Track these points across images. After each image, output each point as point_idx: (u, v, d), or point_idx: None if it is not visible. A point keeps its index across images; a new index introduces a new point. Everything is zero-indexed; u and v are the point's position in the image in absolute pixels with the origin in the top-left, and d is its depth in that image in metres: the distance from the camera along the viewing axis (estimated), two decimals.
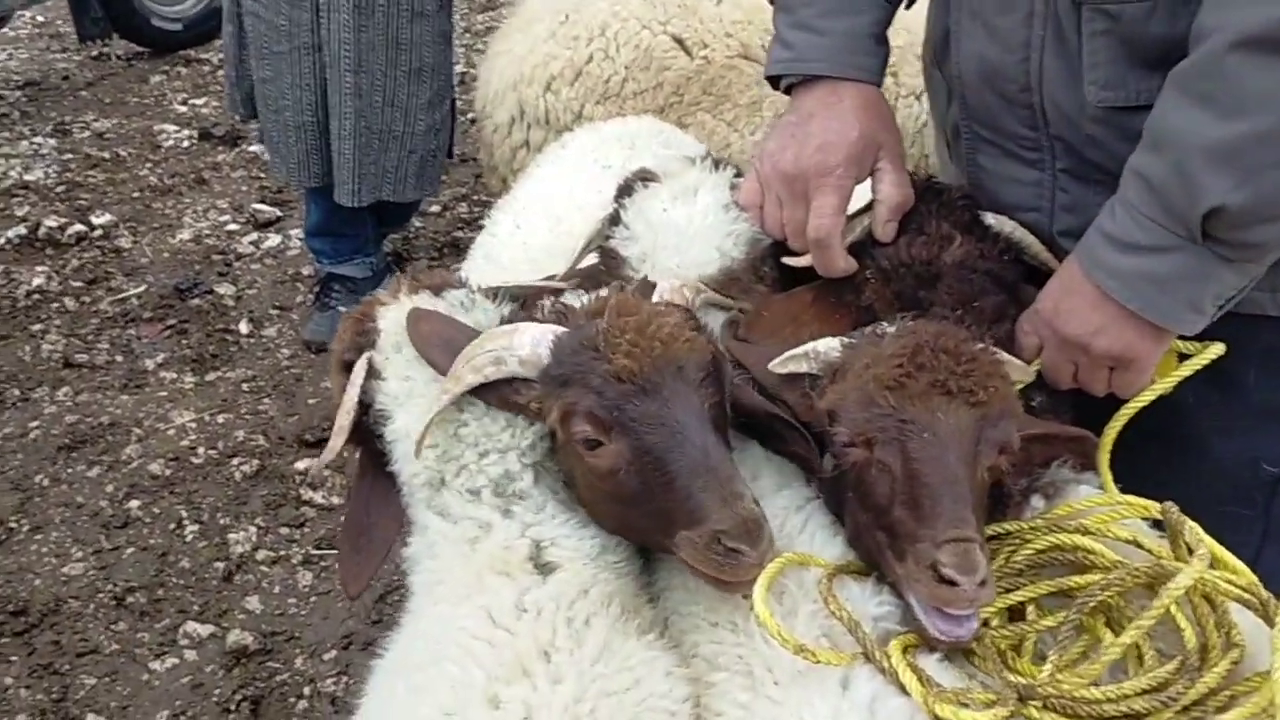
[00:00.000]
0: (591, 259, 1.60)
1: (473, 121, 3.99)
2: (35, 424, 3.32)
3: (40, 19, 6.07)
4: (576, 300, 1.36)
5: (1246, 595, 1.17)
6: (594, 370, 1.19)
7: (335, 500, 3.02)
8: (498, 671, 1.10)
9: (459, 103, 3.68)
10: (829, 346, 1.30)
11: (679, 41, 2.77)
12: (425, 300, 1.38)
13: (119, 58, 5.87)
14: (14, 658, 2.60)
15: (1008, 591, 1.23)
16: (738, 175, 1.58)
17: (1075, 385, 1.39)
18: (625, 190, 1.60)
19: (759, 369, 1.35)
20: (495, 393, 1.26)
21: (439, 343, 1.31)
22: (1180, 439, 1.48)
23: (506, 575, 1.20)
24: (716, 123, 2.80)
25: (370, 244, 3.70)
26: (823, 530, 1.29)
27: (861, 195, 1.48)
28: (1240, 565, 1.21)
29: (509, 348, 1.25)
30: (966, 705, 1.07)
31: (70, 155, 4.88)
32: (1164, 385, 1.36)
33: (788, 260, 1.51)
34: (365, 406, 1.34)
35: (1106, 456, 1.36)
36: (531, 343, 1.24)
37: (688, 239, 1.51)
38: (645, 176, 1.59)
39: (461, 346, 1.28)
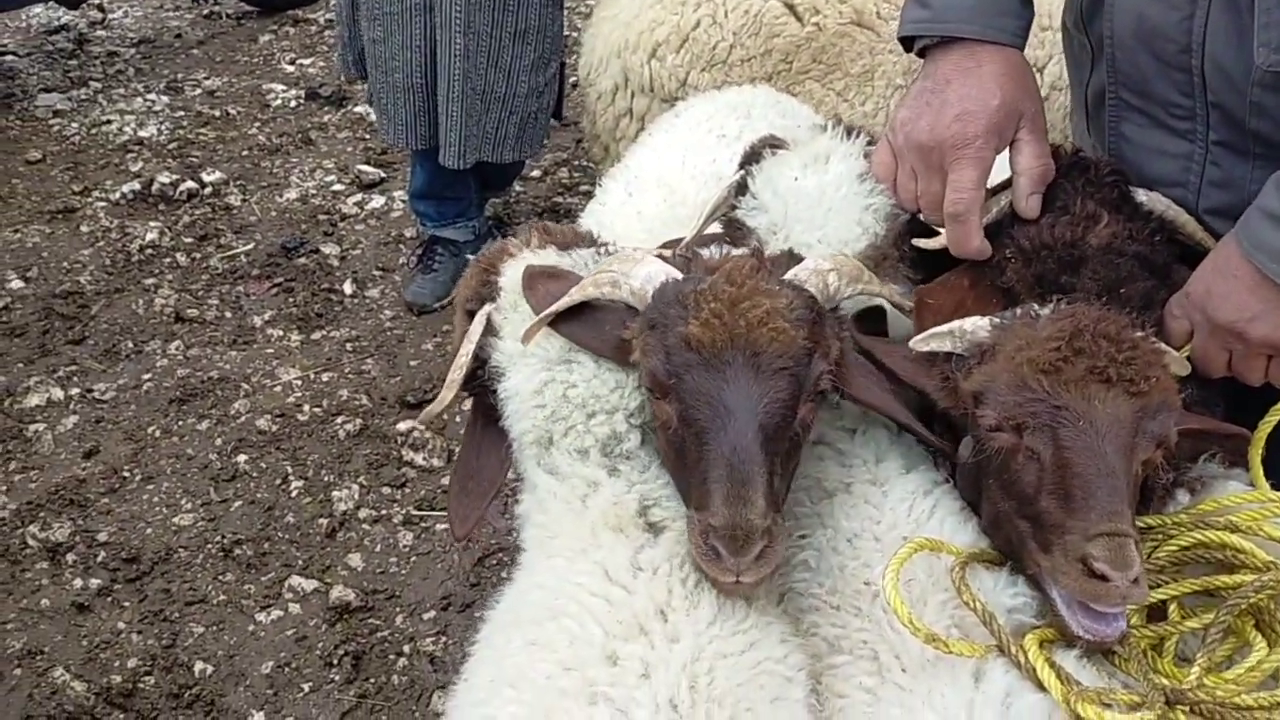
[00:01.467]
0: (715, 229, 1.57)
1: (574, 86, 3.97)
2: (148, 376, 3.41)
3: None
4: (708, 251, 1.34)
5: None
6: (674, 327, 1.18)
7: (436, 462, 3.05)
8: (616, 629, 1.10)
9: (567, 66, 3.64)
10: (977, 326, 1.26)
11: (790, 7, 2.70)
12: (551, 256, 1.37)
13: (229, 16, 5.96)
14: (126, 603, 2.68)
15: (1151, 589, 1.17)
16: (870, 143, 1.52)
17: (1228, 374, 1.32)
18: (752, 157, 1.55)
19: (890, 359, 1.30)
20: (609, 327, 1.25)
21: (553, 302, 1.30)
22: None
23: (620, 532, 1.20)
24: (825, 92, 2.74)
25: (473, 208, 3.71)
26: (953, 516, 1.26)
27: (1002, 168, 1.42)
28: None
29: (628, 274, 1.24)
30: (1110, 706, 1.03)
31: (182, 112, 4.98)
32: None
33: (919, 242, 1.45)
34: (480, 361, 1.34)
35: (1259, 451, 1.29)
36: (646, 277, 1.24)
37: (823, 211, 1.46)
38: (773, 143, 1.55)
39: None
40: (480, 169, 3.56)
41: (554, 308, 1.27)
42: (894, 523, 1.25)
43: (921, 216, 1.44)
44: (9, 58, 5.54)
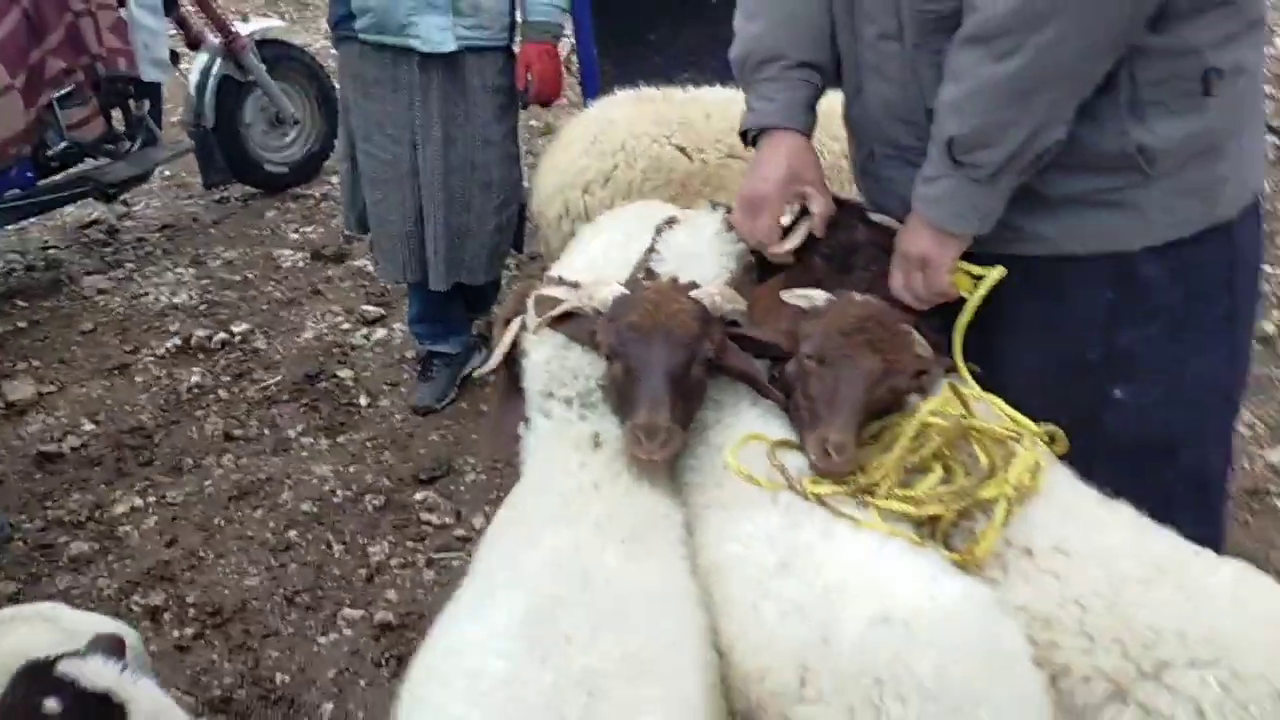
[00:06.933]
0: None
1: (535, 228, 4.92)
2: (208, 483, 4.21)
3: (168, 173, 7.15)
4: (646, 283, 2.19)
5: (1010, 433, 1.93)
6: (623, 319, 2.01)
7: (448, 520, 3.86)
8: (569, 490, 1.91)
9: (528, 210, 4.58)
10: (820, 296, 2.06)
11: (681, 150, 3.62)
12: (554, 288, 2.21)
13: (237, 199, 6.92)
14: (215, 642, 3.43)
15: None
16: (728, 211, 2.39)
17: (913, 299, 2.06)
18: (658, 230, 2.43)
19: (754, 333, 2.11)
20: (585, 324, 2.07)
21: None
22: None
23: (576, 449, 2.01)
24: (721, 205, 3.64)
25: (461, 325, 4.61)
26: (776, 421, 2.04)
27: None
28: (1019, 416, 1.96)
29: (596, 295, 2.08)
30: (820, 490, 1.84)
31: (207, 280, 5.88)
32: (974, 300, 1.98)
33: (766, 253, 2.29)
34: (512, 347, 2.18)
35: (960, 354, 2.03)
36: (607, 294, 2.07)
37: (698, 258, 2.31)
38: (671, 220, 2.44)
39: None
40: (464, 294, 4.47)
41: (553, 313, 2.09)
42: (739, 431, 2.07)
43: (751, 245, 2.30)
44: (51, 251, 6.48)
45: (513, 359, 2.22)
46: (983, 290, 2.02)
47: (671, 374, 1.96)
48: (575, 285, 2.28)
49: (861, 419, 1.96)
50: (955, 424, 1.95)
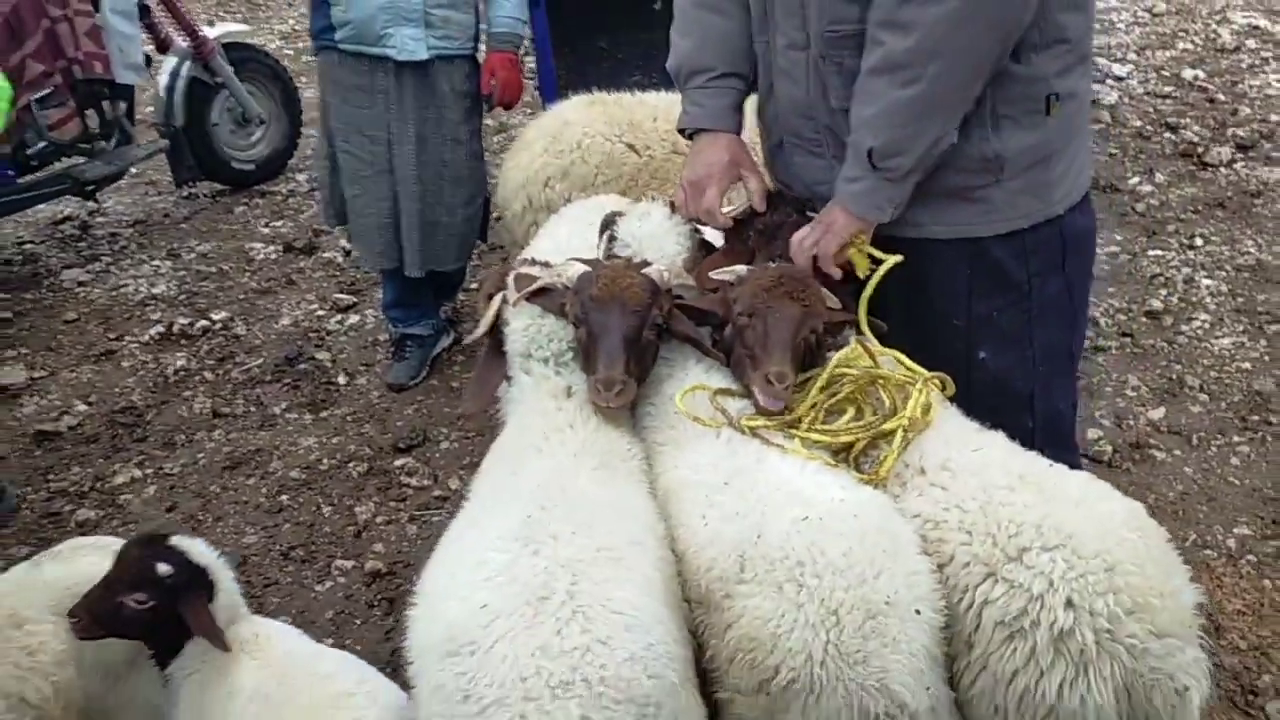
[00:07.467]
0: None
1: (497, 218, 5.33)
2: (201, 455, 4.57)
3: (135, 171, 7.43)
4: (607, 263, 2.61)
5: (908, 379, 2.39)
6: (586, 291, 2.44)
7: (426, 482, 4.26)
8: (549, 429, 2.34)
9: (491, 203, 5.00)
10: (742, 269, 2.51)
11: (631, 147, 4.07)
12: (529, 269, 2.62)
13: (205, 195, 7.24)
14: None
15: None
16: (668, 204, 2.85)
17: (803, 255, 2.50)
18: (608, 223, 2.87)
19: (697, 303, 2.56)
20: (556, 297, 2.50)
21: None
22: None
23: (555, 398, 2.44)
24: (661, 197, 4.09)
25: (431, 310, 5.01)
26: (717, 374, 2.49)
27: (739, 194, 2.73)
28: (915, 365, 2.42)
29: (564, 272, 2.51)
30: (756, 425, 2.29)
31: (184, 272, 6.21)
32: (876, 275, 2.41)
33: (701, 230, 2.76)
34: (495, 318, 2.59)
35: (864, 317, 2.46)
36: (574, 272, 2.50)
37: (657, 241, 2.74)
38: (617, 214, 2.88)
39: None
40: (433, 281, 4.88)
41: (530, 289, 2.51)
42: (687, 383, 2.51)
43: (695, 222, 2.75)
44: (27, 246, 6.76)
45: (495, 328, 2.65)
46: (882, 270, 2.47)
47: (626, 336, 2.40)
48: (546, 265, 2.71)
49: (792, 355, 2.39)
50: (864, 373, 2.41)
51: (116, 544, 2.72)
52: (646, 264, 2.59)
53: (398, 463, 4.40)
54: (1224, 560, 3.52)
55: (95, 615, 2.32)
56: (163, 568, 2.33)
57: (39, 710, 2.16)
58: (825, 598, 1.95)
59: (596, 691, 1.81)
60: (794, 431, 2.33)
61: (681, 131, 2.80)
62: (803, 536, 2.02)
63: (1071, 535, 2.03)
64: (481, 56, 4.67)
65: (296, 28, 10.98)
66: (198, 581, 2.37)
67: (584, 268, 2.55)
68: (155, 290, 6.02)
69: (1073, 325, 2.63)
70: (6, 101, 3.85)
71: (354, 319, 5.56)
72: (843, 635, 1.92)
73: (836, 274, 2.51)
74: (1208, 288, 5.18)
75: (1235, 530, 3.66)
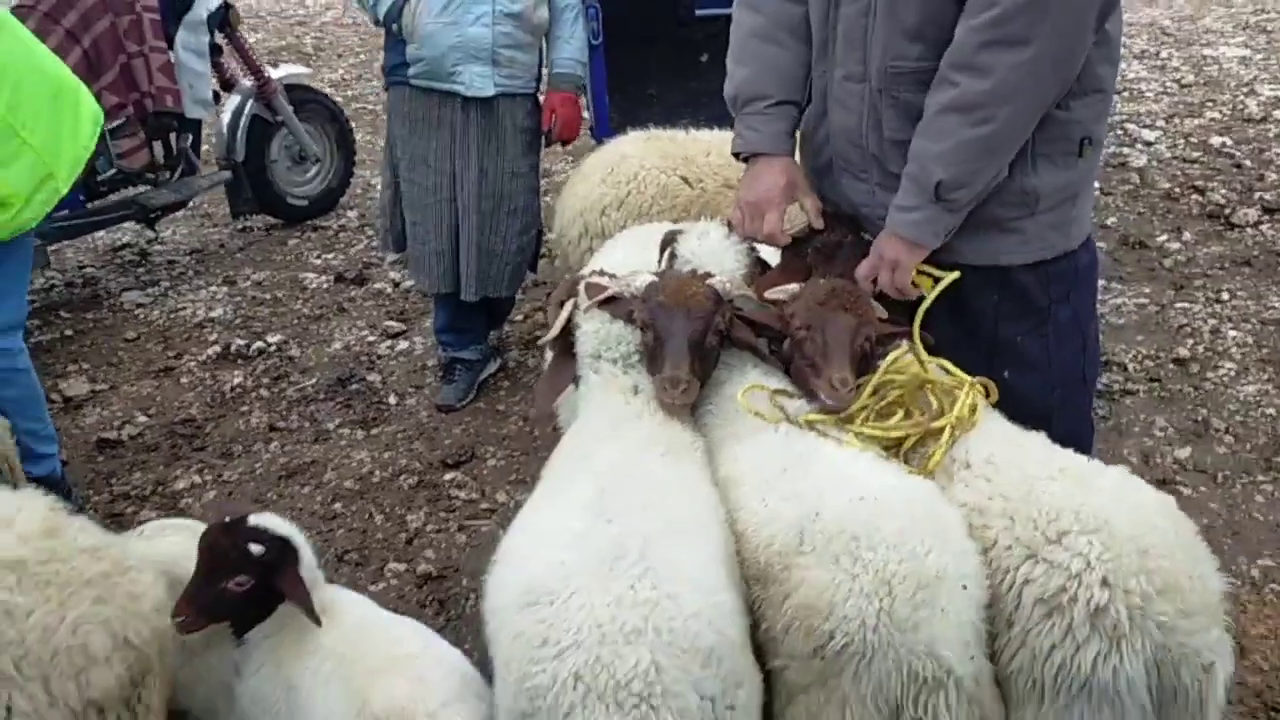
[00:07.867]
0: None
1: (547, 252, 5.57)
2: (259, 465, 4.76)
3: (191, 204, 7.72)
4: (670, 273, 2.80)
5: (957, 388, 2.56)
6: (654, 298, 2.63)
7: (474, 495, 4.43)
8: (617, 419, 2.51)
9: (543, 233, 5.22)
10: (796, 287, 2.68)
11: (685, 180, 4.30)
12: (598, 279, 2.82)
13: (259, 229, 7.51)
14: None
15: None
16: (725, 223, 3.04)
17: (880, 289, 2.68)
18: (668, 240, 3.07)
19: (756, 316, 2.73)
20: (624, 304, 2.69)
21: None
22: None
23: (623, 395, 2.62)
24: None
25: (481, 335, 5.22)
26: (774, 377, 2.67)
27: (795, 213, 2.93)
28: (960, 372, 2.60)
29: (633, 282, 2.70)
30: (816, 422, 2.47)
31: (240, 298, 6.44)
32: (934, 291, 2.54)
33: (757, 248, 2.95)
34: (566, 322, 2.78)
35: (917, 331, 2.60)
36: (641, 281, 2.69)
37: (717, 257, 2.93)
38: (677, 232, 3.08)
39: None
40: (485, 307, 5.09)
41: (600, 296, 2.69)
42: (746, 384, 2.68)
43: (751, 241, 2.93)
44: (88, 270, 7.03)
45: (566, 331, 2.84)
46: (940, 287, 2.64)
47: (691, 339, 2.59)
48: (614, 276, 2.91)
49: (850, 362, 2.56)
50: (913, 377, 2.59)
51: (195, 525, 2.90)
52: (710, 275, 2.78)
53: (447, 476, 4.57)
54: (1248, 589, 3.63)
55: (200, 607, 2.48)
56: (255, 548, 2.50)
57: (139, 652, 2.31)
58: (879, 569, 2.10)
59: (665, 640, 1.97)
60: (849, 427, 2.50)
61: (736, 155, 2.98)
62: (859, 514, 2.18)
63: (1108, 521, 2.18)
64: (542, 96, 4.92)
65: (346, 76, 11.38)
66: (286, 554, 2.54)
67: (651, 277, 2.75)
68: (212, 314, 6.25)
69: (1083, 350, 2.81)
70: (98, 125, 4.09)
71: (403, 345, 5.77)
72: (894, 604, 2.07)
73: (912, 295, 2.68)
74: (1234, 339, 5.33)
75: (1259, 561, 3.78)
